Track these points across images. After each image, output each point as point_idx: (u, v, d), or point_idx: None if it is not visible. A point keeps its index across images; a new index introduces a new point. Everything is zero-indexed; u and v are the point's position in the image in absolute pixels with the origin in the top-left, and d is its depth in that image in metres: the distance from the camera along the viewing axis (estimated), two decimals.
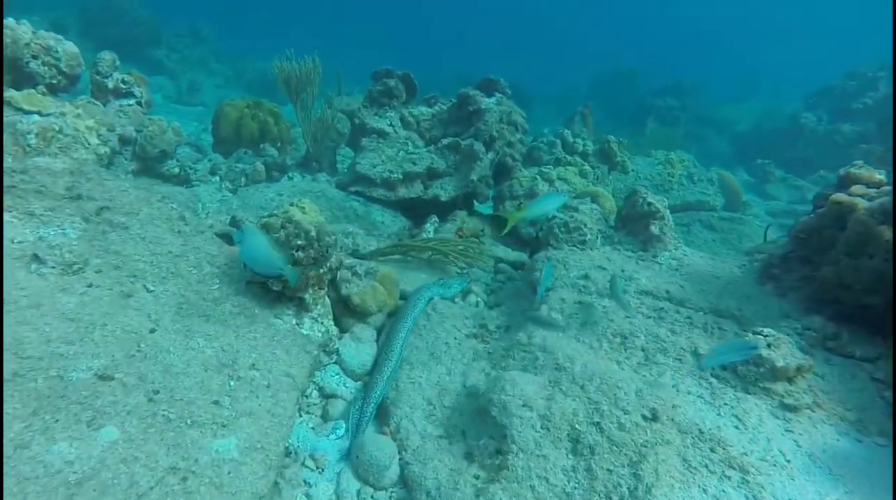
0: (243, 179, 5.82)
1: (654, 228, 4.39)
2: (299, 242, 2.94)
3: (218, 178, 5.78)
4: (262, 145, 7.24)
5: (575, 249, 4.43)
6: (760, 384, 2.72)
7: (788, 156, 12.02)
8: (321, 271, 3.12)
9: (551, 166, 6.57)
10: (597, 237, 4.50)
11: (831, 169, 10.75)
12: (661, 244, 4.37)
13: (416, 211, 6.01)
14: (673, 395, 2.71)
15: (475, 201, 6.70)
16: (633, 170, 7.26)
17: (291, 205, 3.07)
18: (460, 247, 4.89)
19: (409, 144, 6.28)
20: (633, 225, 4.56)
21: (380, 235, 5.48)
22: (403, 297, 4.38)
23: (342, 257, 3.47)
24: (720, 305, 3.47)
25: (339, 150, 8.22)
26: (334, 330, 3.49)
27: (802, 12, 49.25)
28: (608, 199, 5.84)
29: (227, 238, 4.06)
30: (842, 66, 15.41)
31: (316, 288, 3.21)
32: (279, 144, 7.68)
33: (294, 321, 3.19)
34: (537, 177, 6.27)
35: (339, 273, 3.79)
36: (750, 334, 2.95)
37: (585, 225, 4.49)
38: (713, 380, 2.87)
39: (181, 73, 14.86)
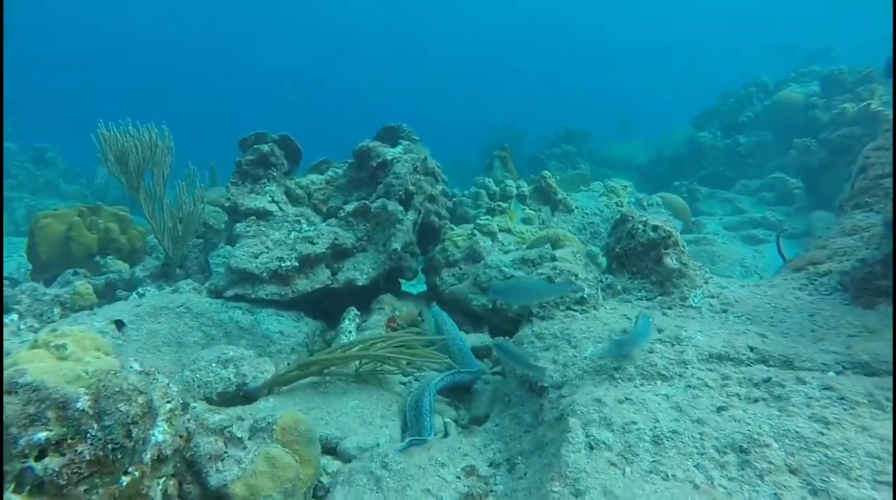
0: (56, 311, 3.88)
1: (671, 261, 3.09)
2: (46, 435, 1.21)
3: (14, 316, 3.79)
4: (102, 260, 5.34)
5: (573, 312, 2.99)
6: None
7: (699, 175, 11.84)
8: (125, 480, 1.37)
9: (489, 217, 5.25)
10: (596, 290, 3.11)
11: (750, 177, 10.58)
12: (686, 280, 3.05)
13: (326, 307, 4.36)
14: None
15: (402, 279, 5.19)
16: (576, 207, 6.16)
17: (34, 345, 1.37)
18: (400, 343, 3.29)
19: (303, 221, 4.71)
20: (636, 263, 3.23)
21: (279, 353, 3.74)
22: (330, 449, 2.66)
23: (191, 425, 1.75)
24: (856, 354, 2.12)
25: (216, 250, 6.44)
26: None
27: (661, 50, 55.25)
28: (573, 240, 4.57)
29: None
30: (708, 90, 16.39)
31: None
32: (134, 255, 5.84)
33: None
34: (475, 233, 4.91)
35: (197, 447, 2.03)
36: None
37: (577, 275, 3.10)
38: None
39: (16, 200, 12.40)
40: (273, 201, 4.85)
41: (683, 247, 3.17)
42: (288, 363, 3.48)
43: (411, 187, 4.74)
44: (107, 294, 4.86)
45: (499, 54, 59.25)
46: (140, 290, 4.61)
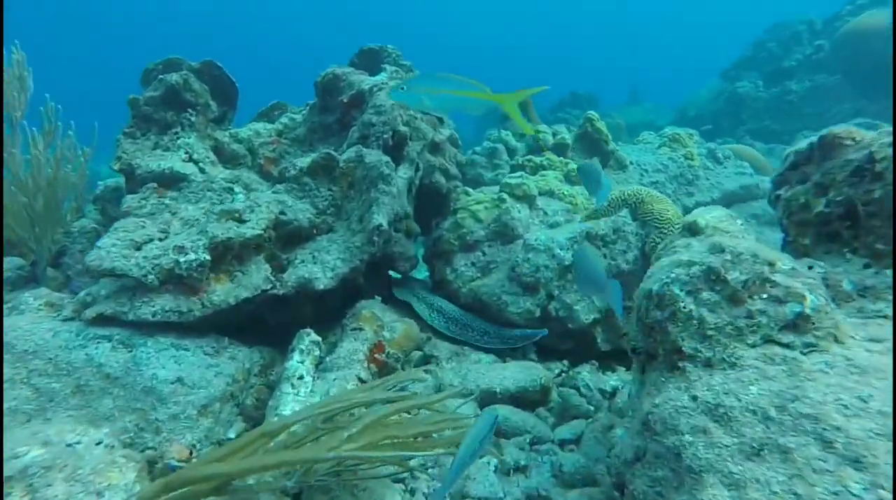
0: None
1: None
2: None
3: None
4: None
5: (782, 348, 1.28)
6: None
7: (742, 130, 10.10)
8: None
9: (523, 174, 3.52)
10: (826, 299, 1.39)
11: (813, 129, 8.85)
12: None
13: (264, 328, 2.65)
14: None
15: (393, 272, 3.44)
16: (631, 162, 4.45)
17: None
18: (397, 410, 1.59)
19: (237, 189, 2.97)
20: (875, 231, 1.53)
21: (174, 420, 2.02)
22: None
23: None
24: None
25: None
26: None
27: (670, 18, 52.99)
28: (663, 201, 2.85)
29: None
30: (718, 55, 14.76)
31: None
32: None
33: None
34: (504, 197, 3.18)
35: None
36: None
37: (772, 264, 1.38)
38: None
39: None
40: (190, 160, 3.11)
41: None
42: (153, 476, 1.77)
43: (402, 128, 3.00)
44: None
45: (493, 19, 56.89)
46: None
